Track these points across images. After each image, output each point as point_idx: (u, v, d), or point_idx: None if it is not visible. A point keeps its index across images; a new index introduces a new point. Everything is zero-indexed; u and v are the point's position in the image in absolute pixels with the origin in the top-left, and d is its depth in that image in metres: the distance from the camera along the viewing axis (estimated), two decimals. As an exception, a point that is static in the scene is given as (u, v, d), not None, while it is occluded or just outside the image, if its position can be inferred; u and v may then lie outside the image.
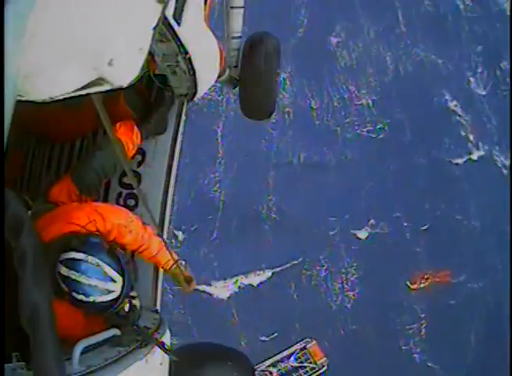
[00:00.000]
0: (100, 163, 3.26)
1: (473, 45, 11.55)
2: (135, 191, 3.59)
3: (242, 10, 3.67)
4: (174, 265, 3.23)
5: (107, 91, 1.49)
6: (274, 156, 9.47)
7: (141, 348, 2.54)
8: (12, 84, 0.97)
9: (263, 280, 9.00)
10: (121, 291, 2.61)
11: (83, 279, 2.50)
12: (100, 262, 2.54)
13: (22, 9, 1.00)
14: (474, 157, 11.17)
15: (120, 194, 3.63)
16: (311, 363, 6.61)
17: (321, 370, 6.61)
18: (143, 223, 3.11)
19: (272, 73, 4.25)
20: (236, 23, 3.76)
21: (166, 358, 2.69)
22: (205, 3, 2.76)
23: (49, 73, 1.27)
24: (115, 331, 2.54)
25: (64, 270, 2.51)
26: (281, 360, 6.54)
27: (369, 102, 10.32)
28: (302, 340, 6.95)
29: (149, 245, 3.09)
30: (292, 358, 6.60)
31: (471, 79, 11.46)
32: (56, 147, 3.91)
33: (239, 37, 3.92)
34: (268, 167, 9.38)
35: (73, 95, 1.40)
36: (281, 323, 8.89)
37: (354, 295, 9.69)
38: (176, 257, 3.27)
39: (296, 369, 6.54)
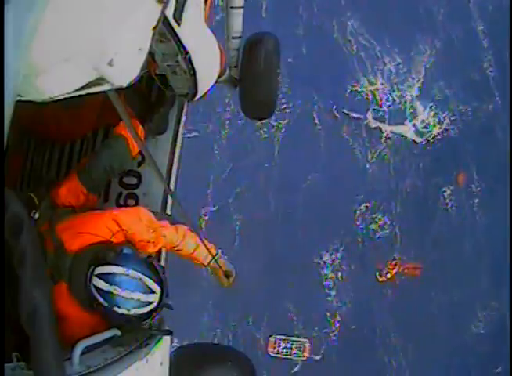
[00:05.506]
0: (109, 161, 3.24)
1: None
2: (135, 191, 3.59)
3: (242, 10, 3.67)
4: (213, 261, 3.16)
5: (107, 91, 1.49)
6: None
7: (141, 348, 2.53)
8: (12, 84, 0.97)
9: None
10: (159, 301, 2.57)
11: (125, 293, 2.43)
12: (142, 276, 2.47)
13: (22, 9, 1.00)
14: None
15: (120, 194, 3.64)
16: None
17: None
18: (173, 223, 3.00)
19: (273, 73, 4.25)
20: (236, 23, 3.76)
21: (166, 358, 2.69)
22: (205, 3, 2.76)
23: (49, 73, 1.27)
24: (115, 331, 2.53)
25: (104, 285, 2.44)
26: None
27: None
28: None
29: (182, 247, 3.03)
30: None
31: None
32: (56, 147, 3.91)
33: (240, 37, 3.92)
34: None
35: (73, 95, 1.40)
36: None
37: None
38: (214, 251, 3.19)
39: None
